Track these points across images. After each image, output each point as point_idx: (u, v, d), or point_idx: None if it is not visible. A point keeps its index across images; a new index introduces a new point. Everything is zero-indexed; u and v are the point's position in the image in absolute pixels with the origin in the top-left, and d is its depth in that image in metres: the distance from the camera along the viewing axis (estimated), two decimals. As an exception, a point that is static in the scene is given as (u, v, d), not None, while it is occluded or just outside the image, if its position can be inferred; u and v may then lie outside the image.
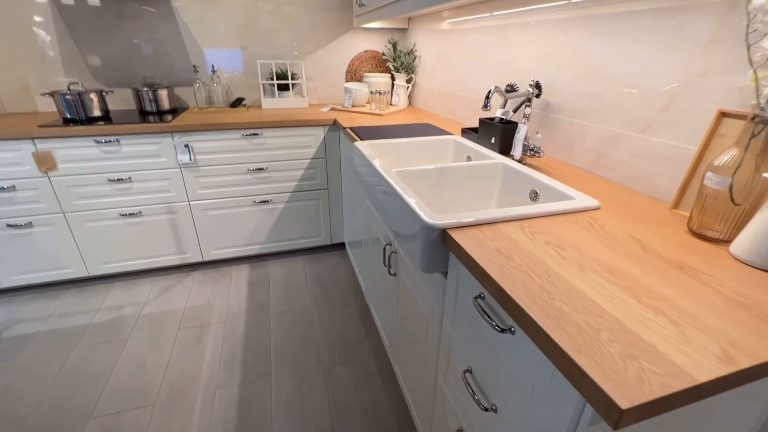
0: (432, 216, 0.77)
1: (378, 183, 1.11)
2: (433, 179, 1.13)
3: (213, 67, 2.12)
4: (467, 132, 1.46)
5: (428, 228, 0.76)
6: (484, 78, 1.60)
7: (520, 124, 1.14)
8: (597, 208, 0.86)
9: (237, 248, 2.12)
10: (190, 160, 1.83)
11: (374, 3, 1.79)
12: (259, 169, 1.97)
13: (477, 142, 1.37)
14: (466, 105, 1.77)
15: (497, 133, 1.24)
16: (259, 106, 2.25)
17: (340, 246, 2.38)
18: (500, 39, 1.47)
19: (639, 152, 0.96)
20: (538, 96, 1.22)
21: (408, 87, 2.29)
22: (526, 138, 1.12)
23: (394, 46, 2.32)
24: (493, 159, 1.18)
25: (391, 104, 2.32)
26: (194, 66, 2.08)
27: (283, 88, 2.26)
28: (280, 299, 1.90)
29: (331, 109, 2.20)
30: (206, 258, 2.09)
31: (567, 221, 0.80)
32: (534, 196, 1.02)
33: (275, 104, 2.22)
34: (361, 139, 1.47)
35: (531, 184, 1.04)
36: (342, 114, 2.07)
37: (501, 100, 1.51)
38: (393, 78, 2.40)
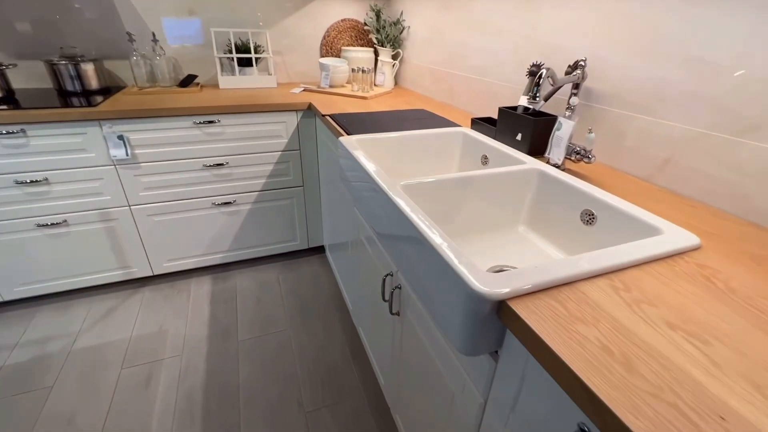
0: (485, 280, 0.49)
1: (376, 198, 0.81)
2: (450, 192, 0.85)
3: (153, 35, 1.70)
4: (479, 123, 1.17)
5: (479, 299, 0.49)
6: (495, 54, 1.31)
7: (562, 119, 0.86)
8: (698, 248, 0.61)
9: (196, 258, 1.78)
10: (127, 155, 1.45)
11: (357, -43, 1.43)
12: (218, 164, 1.61)
13: (495, 138, 1.09)
14: (469, 87, 1.48)
15: (527, 129, 0.96)
16: (216, 86, 1.86)
17: (319, 250, 2.07)
18: (519, 5, 1.17)
19: (735, 161, 0.72)
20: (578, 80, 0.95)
21: (395, 64, 1.96)
22: (570, 137, 0.85)
23: (378, 14, 1.97)
24: (524, 163, 0.91)
25: (375, 84, 1.99)
26: (129, 33, 1.65)
27: (245, 63, 1.87)
28: (250, 321, 1.60)
29: (304, 90, 1.84)
30: (157, 271, 1.73)
31: (670, 272, 0.55)
32: (589, 220, 0.77)
33: (236, 83, 1.84)
34: (348, 133, 1.16)
35: (583, 200, 0.78)
36: (318, 96, 1.72)
37: (521, 86, 1.23)
38: (376, 53, 2.06)
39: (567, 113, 0.86)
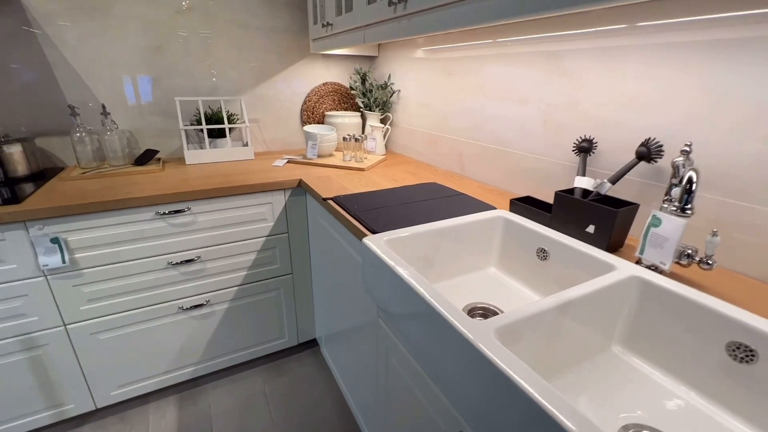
0: None
1: (436, 331, 0.57)
2: (549, 324, 0.62)
3: (104, 107, 1.42)
4: (521, 205, 0.99)
5: None
6: (519, 124, 1.16)
7: (660, 213, 0.69)
8: None
9: (156, 378, 1.38)
10: (64, 261, 1.10)
11: (350, 21, 1.28)
12: (188, 260, 1.29)
13: (551, 227, 0.90)
14: (483, 156, 1.32)
15: (605, 220, 0.78)
16: (181, 161, 1.58)
17: (310, 344, 1.74)
18: (549, 72, 1.04)
19: None
20: (652, 160, 0.79)
21: (386, 129, 1.79)
22: (680, 238, 0.67)
23: (364, 78, 1.83)
24: (614, 267, 0.71)
25: (366, 151, 1.80)
26: (71, 107, 1.36)
27: (217, 134, 1.62)
28: (233, 464, 1.21)
29: (288, 162, 1.61)
30: (103, 404, 1.32)
31: None
32: (746, 357, 0.56)
33: (205, 157, 1.57)
34: (364, 225, 0.92)
35: (728, 328, 0.58)
36: (307, 170, 1.49)
37: (556, 161, 1.08)
38: (362, 117, 1.90)
39: (666, 205, 0.69)
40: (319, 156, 1.64)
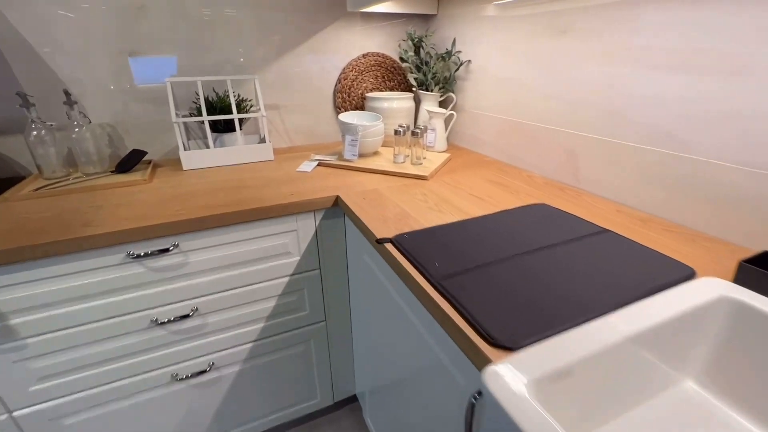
0: None
1: None
2: None
3: (67, 94, 1.02)
4: (757, 272, 0.51)
5: None
6: (718, 109, 0.67)
7: None
8: None
9: (148, 459, 1.04)
10: (-8, 334, 0.74)
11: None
12: (181, 317, 0.91)
13: None
14: (628, 161, 0.83)
15: None
16: (178, 164, 1.18)
17: (349, 401, 1.35)
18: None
19: None
20: None
21: (449, 114, 1.32)
22: None
23: (418, 45, 1.35)
24: None
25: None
26: (21, 95, 0.97)
27: (224, 128, 1.21)
28: None
29: (319, 164, 1.18)
30: (79, 498, 0.98)
31: None
32: None
33: (208, 160, 1.16)
34: (485, 334, 0.48)
35: None
36: (345, 177, 1.06)
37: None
38: (416, 98, 1.42)
39: None
40: (361, 155, 1.20)
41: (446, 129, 1.33)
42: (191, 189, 0.98)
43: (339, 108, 1.43)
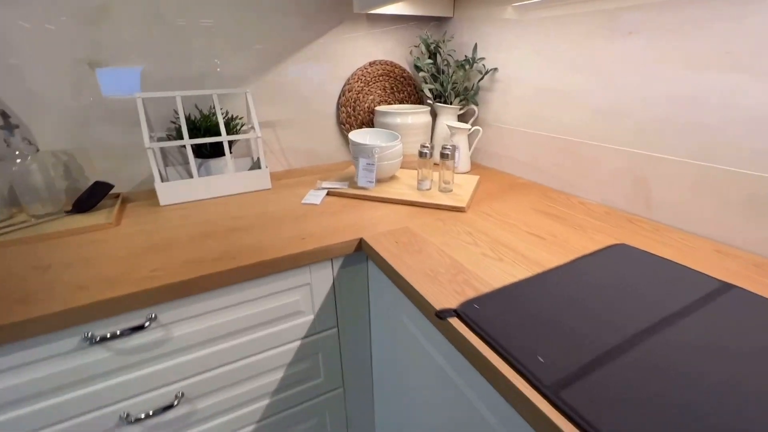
0: None
1: None
2: None
3: (7, 117, 0.80)
4: None
5: None
6: None
7: None
8: None
9: None
10: None
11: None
12: (163, 408, 0.68)
13: None
14: (727, 191, 0.68)
15: None
16: (152, 199, 0.96)
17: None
18: None
19: None
20: None
21: (474, 130, 1.15)
22: None
23: (435, 51, 1.18)
24: None
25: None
26: (-60, 119, 0.75)
27: (210, 152, 1.00)
28: None
29: (327, 194, 0.98)
30: None
31: None
32: None
33: (191, 193, 0.95)
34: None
35: None
36: (362, 210, 0.86)
37: None
38: (432, 111, 1.24)
39: None
40: (378, 181, 1.01)
41: (471, 148, 1.16)
42: (171, 235, 0.77)
43: (344, 124, 1.24)
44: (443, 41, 1.17)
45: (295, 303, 0.75)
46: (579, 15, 0.86)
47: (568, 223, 0.79)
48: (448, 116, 1.19)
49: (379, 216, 0.84)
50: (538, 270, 0.62)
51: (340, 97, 1.23)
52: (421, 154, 0.94)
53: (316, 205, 0.92)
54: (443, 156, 0.92)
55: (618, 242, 0.70)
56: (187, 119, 0.98)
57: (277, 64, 1.10)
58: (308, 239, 0.74)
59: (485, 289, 0.56)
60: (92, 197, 0.90)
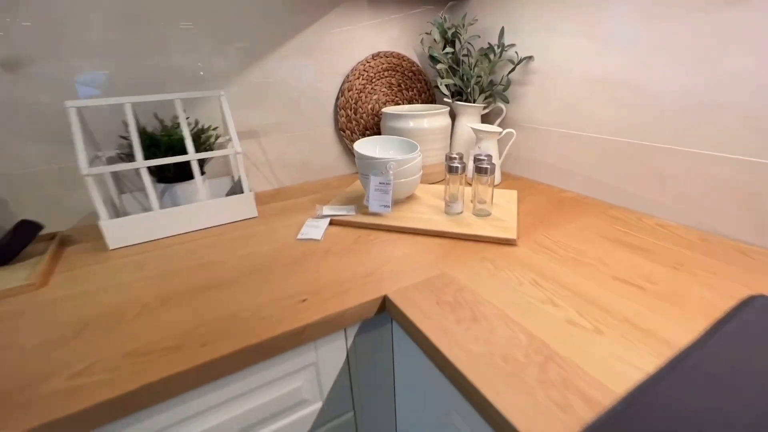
0: None
1: None
2: None
3: None
4: None
5: None
6: None
7: None
8: None
9: None
10: None
11: None
12: None
13: None
14: None
15: None
16: (99, 239, 0.72)
17: None
18: None
19: None
20: None
21: (506, 132, 0.94)
22: None
23: (451, 38, 0.97)
24: None
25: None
26: None
27: (177, 175, 0.77)
28: None
29: (330, 223, 0.76)
30: None
31: None
32: None
33: (151, 230, 0.72)
34: None
35: None
36: (380, 246, 0.64)
37: None
38: (452, 111, 1.03)
39: None
40: (394, 202, 0.79)
41: (500, 155, 0.95)
42: (115, 300, 0.54)
43: (343, 130, 1.02)
44: (462, 26, 0.96)
45: (295, 392, 0.53)
46: (654, -19, 0.66)
47: (661, 260, 0.59)
48: (470, 117, 0.98)
49: (403, 255, 0.63)
50: (664, 350, 0.41)
51: (337, 98, 1.01)
52: (451, 169, 0.72)
53: (317, 241, 0.70)
54: (480, 171, 0.71)
55: (755, 293, 0.50)
56: (145, 133, 0.75)
57: (258, 59, 0.88)
58: (311, 301, 0.52)
59: (602, 397, 0.35)
60: (15, 242, 0.67)
